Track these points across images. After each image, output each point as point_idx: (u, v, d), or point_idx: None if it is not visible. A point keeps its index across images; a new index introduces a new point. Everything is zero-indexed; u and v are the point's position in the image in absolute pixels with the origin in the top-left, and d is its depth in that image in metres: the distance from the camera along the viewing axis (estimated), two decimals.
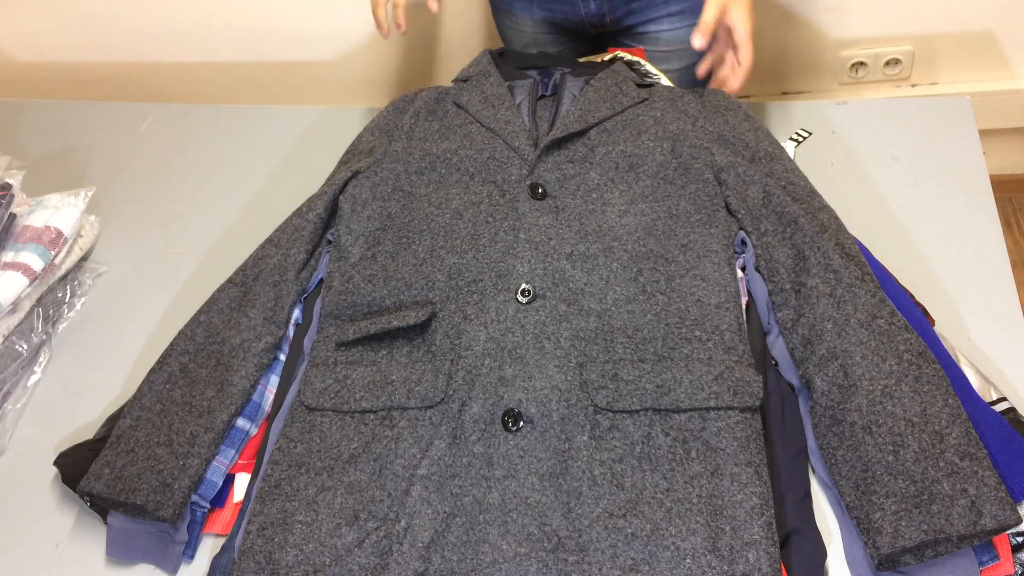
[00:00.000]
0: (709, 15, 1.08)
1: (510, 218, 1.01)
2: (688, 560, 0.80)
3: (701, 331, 0.93)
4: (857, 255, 0.97)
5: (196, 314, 1.03)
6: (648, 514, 0.83)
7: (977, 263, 1.05)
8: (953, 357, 0.92)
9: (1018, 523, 0.77)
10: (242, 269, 1.06)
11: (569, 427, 0.88)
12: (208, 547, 0.94)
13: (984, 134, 1.21)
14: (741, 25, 1.09)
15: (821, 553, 0.84)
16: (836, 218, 1.01)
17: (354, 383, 0.94)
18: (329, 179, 1.14)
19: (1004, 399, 0.90)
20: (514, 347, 0.92)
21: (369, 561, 0.83)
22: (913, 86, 1.67)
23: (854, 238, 0.99)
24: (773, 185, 1.01)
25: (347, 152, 1.18)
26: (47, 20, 1.71)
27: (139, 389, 0.98)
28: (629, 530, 0.82)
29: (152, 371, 0.99)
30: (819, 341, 0.91)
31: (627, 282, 0.96)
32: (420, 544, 0.83)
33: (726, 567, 0.79)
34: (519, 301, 0.95)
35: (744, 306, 0.97)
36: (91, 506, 0.95)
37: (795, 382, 0.93)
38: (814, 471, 0.91)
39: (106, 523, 0.94)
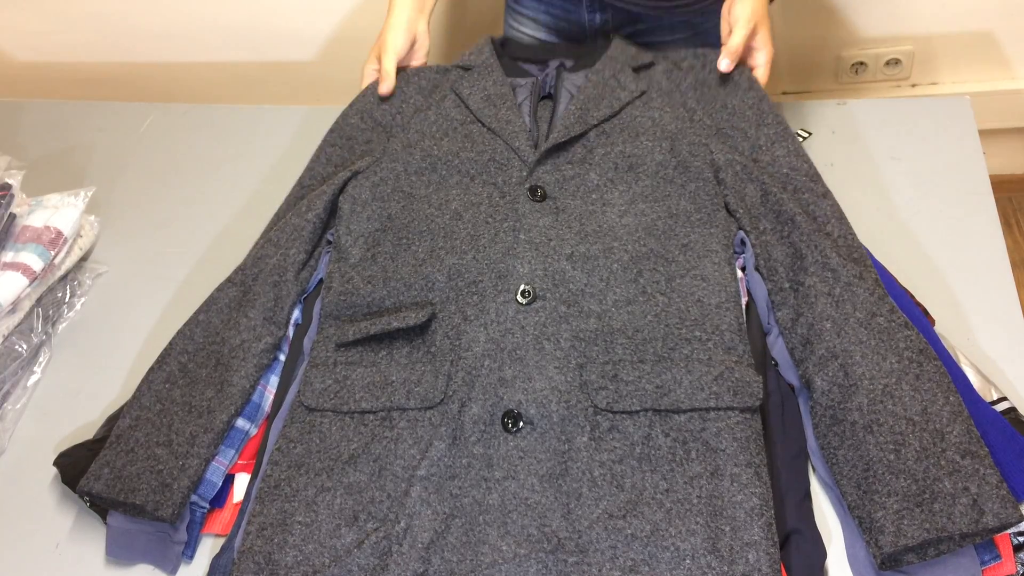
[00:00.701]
0: (738, 38, 1.06)
1: (510, 219, 1.01)
2: (688, 561, 0.80)
3: (701, 331, 0.92)
4: (857, 249, 0.97)
5: (195, 313, 1.03)
6: (648, 515, 0.83)
7: (977, 263, 1.05)
8: (953, 357, 0.92)
9: (1020, 521, 0.77)
10: (241, 269, 1.06)
11: (569, 428, 0.88)
12: (208, 547, 0.94)
13: (984, 134, 1.21)
14: (765, 48, 1.09)
15: (821, 554, 0.84)
16: (837, 207, 1.00)
17: (354, 384, 0.94)
18: (309, 167, 1.13)
19: (1004, 399, 0.90)
20: (514, 348, 0.92)
21: (369, 562, 0.83)
22: (913, 86, 1.67)
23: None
24: (771, 183, 1.00)
25: (334, 132, 1.16)
26: (47, 20, 1.71)
27: (138, 388, 0.98)
28: (629, 531, 0.82)
29: (151, 370, 0.99)
30: (818, 341, 0.91)
31: (627, 283, 0.96)
32: (420, 545, 0.83)
33: (726, 568, 0.79)
34: (519, 302, 0.95)
35: (744, 306, 0.97)
36: (91, 506, 0.95)
37: (795, 382, 0.93)
38: (814, 471, 0.91)
39: (106, 523, 0.94)
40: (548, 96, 1.12)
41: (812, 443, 0.91)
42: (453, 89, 1.13)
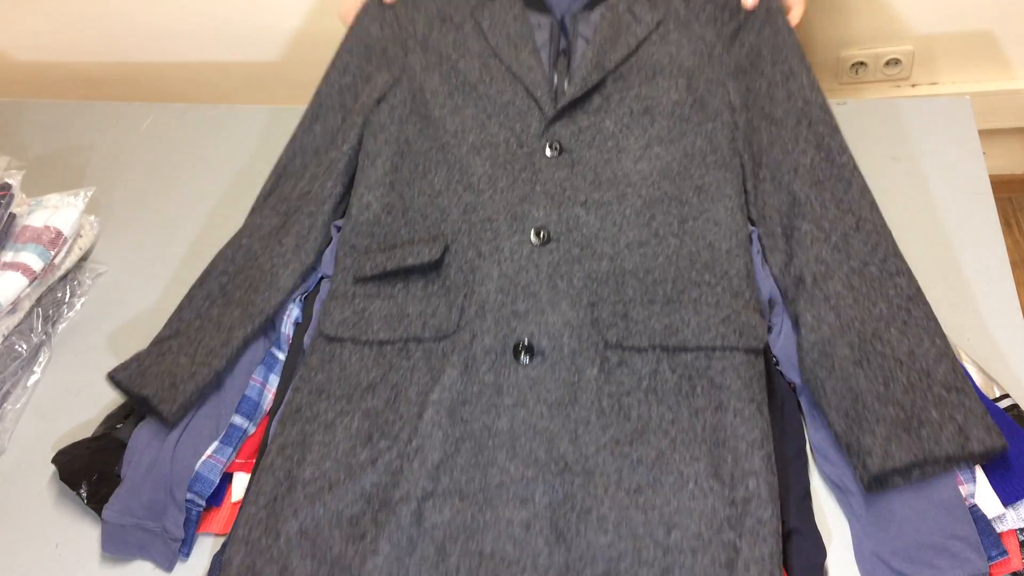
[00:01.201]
0: None
1: (528, 170, 1.02)
2: (691, 484, 0.83)
3: (711, 275, 0.95)
4: (859, 194, 0.98)
5: (237, 237, 1.08)
6: (654, 442, 0.85)
7: (977, 263, 1.05)
8: (955, 353, 0.92)
9: (1004, 448, 0.82)
10: (284, 199, 1.09)
11: (579, 361, 0.90)
12: (208, 547, 0.94)
13: (984, 134, 1.21)
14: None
15: (821, 553, 0.84)
16: (846, 143, 1.01)
17: (372, 315, 0.97)
18: (326, 77, 1.16)
19: (1007, 396, 0.90)
20: (527, 284, 0.95)
21: (381, 479, 0.86)
22: (913, 86, 1.67)
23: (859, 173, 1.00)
24: (777, 131, 1.01)
25: (349, 39, 1.17)
26: (47, 20, 1.71)
27: (181, 302, 1.05)
28: (635, 456, 0.85)
29: (194, 287, 1.06)
30: (812, 282, 0.93)
31: (640, 226, 0.98)
32: (430, 464, 0.86)
33: (727, 492, 0.82)
34: (533, 243, 0.97)
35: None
36: (88, 503, 0.95)
37: (796, 380, 0.94)
38: (816, 470, 0.91)
39: (102, 519, 0.94)
40: (564, 52, 1.10)
41: (814, 441, 0.91)
42: (473, 16, 1.12)
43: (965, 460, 0.82)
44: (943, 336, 0.88)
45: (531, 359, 0.91)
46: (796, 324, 0.94)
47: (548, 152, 1.03)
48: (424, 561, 0.82)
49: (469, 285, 0.96)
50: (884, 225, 0.97)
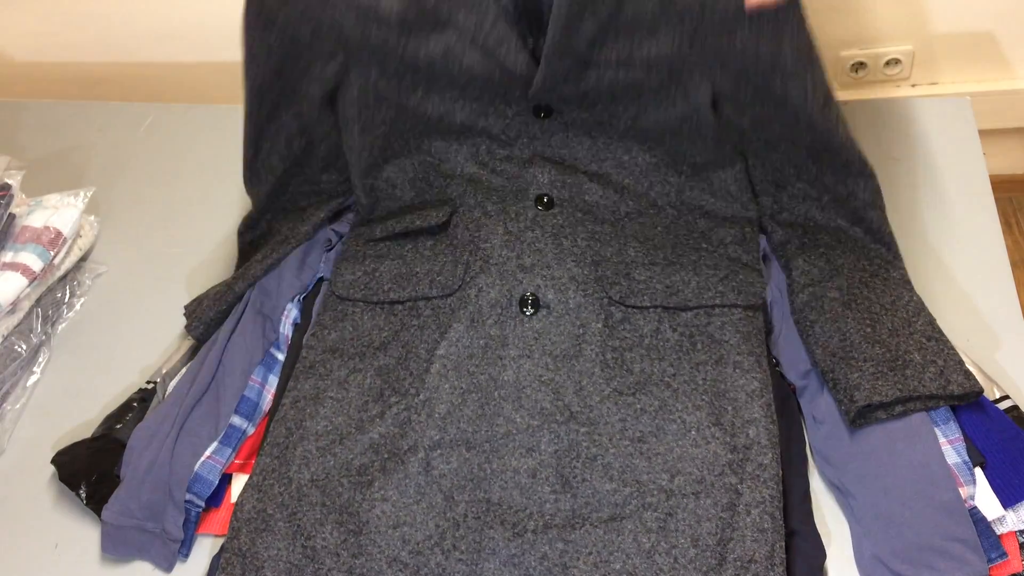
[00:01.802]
0: None
1: (524, 136, 1.03)
2: (694, 432, 0.85)
3: (707, 244, 0.98)
4: (858, 170, 0.97)
5: (264, 179, 1.12)
6: (656, 393, 0.88)
7: (977, 263, 1.05)
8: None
9: (981, 393, 0.85)
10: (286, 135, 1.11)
11: (584, 314, 0.93)
12: (207, 547, 0.94)
13: (984, 134, 1.21)
14: None
15: (820, 554, 0.84)
16: (850, 141, 0.96)
17: (382, 275, 1.00)
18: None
19: (1007, 397, 0.90)
20: (533, 241, 0.97)
21: (389, 430, 0.89)
22: (913, 86, 1.67)
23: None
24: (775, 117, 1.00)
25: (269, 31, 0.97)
26: (47, 20, 1.71)
27: (239, 252, 1.14)
28: (638, 406, 0.88)
29: (240, 234, 1.13)
30: (802, 233, 0.98)
31: (638, 196, 1.00)
32: (437, 415, 0.88)
33: (728, 439, 0.85)
34: (537, 208, 0.99)
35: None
36: (87, 503, 0.95)
37: (796, 382, 0.93)
38: (816, 471, 0.91)
39: (101, 520, 0.94)
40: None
41: (814, 442, 0.91)
42: None
43: (945, 400, 0.86)
44: (917, 295, 0.94)
45: (536, 312, 0.93)
46: (786, 266, 0.98)
47: (535, 114, 1.03)
48: (432, 508, 0.84)
49: (475, 242, 0.99)
50: (878, 193, 0.98)
